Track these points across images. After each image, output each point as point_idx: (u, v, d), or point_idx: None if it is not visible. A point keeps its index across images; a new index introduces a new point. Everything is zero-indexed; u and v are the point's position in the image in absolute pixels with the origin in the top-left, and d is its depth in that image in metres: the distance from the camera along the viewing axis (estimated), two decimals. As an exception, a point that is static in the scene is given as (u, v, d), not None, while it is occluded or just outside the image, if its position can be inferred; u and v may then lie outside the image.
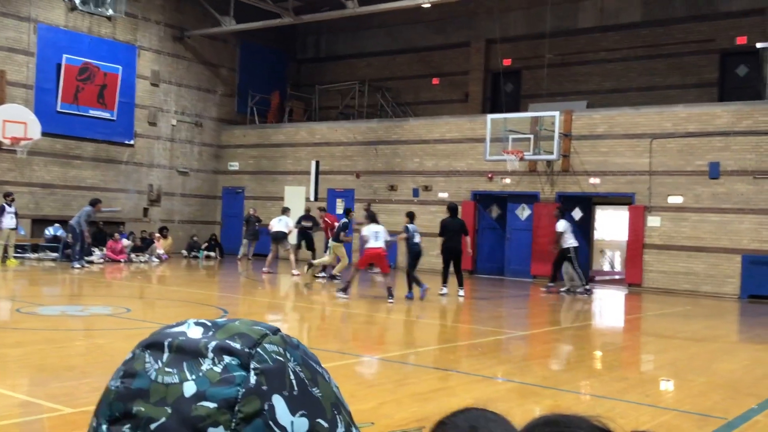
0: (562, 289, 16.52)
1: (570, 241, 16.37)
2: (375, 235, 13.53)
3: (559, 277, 16.69)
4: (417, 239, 14.70)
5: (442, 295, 14.61)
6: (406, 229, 14.75)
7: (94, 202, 18.00)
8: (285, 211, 18.84)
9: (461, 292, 14.70)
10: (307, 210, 19.50)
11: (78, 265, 17.37)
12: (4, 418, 5.24)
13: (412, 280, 14.18)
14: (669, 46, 21.08)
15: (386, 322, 11.62)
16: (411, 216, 15.02)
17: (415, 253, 14.59)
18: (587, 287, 16.66)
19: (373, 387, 6.50)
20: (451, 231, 14.59)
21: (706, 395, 6.92)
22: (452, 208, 15.11)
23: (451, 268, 14.78)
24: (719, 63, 20.80)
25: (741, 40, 20.07)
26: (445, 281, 14.84)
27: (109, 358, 7.61)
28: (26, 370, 7.00)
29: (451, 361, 8.58)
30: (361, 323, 11.64)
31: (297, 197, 23.78)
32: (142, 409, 0.60)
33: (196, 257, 22.82)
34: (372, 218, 14.18)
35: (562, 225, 16.48)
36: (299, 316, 12.53)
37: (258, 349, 0.62)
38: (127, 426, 0.60)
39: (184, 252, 23.02)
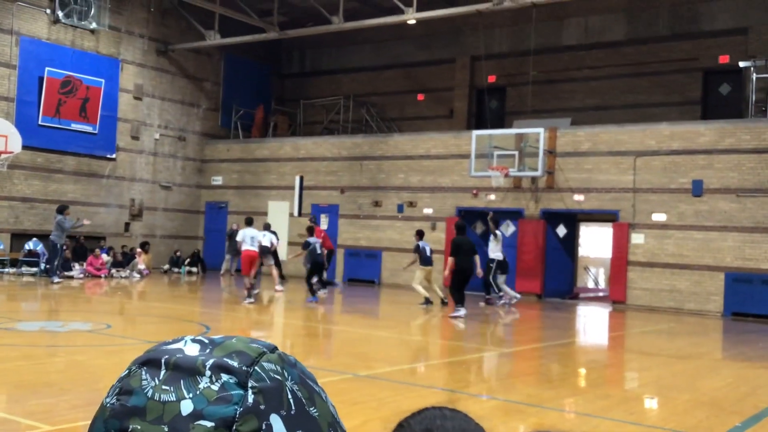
0: (500, 302, 16.97)
1: (496, 254, 16.90)
2: (250, 240, 15.54)
3: (493, 290, 17.12)
4: (318, 251, 15.87)
5: (456, 317, 13.74)
6: (306, 245, 16.02)
7: (62, 209, 17.95)
8: (267, 226, 18.68)
9: (462, 312, 14.00)
10: (267, 225, 19.01)
11: (57, 279, 17.25)
12: (-21, 437, 5.13)
13: (310, 286, 15.56)
14: (653, 65, 21.28)
15: (372, 339, 11.54)
16: (311, 230, 16.39)
17: (315, 264, 15.82)
18: (498, 300, 17.14)
19: (357, 404, 6.43)
20: (464, 250, 13.96)
21: (690, 413, 6.90)
22: (461, 227, 14.53)
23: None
24: (702, 81, 21.02)
25: (724, 59, 20.30)
26: (461, 302, 13.90)
27: (89, 375, 7.48)
28: (4, 386, 6.88)
29: (436, 378, 8.51)
30: (346, 340, 11.55)
31: (281, 212, 23.67)
32: (138, 427, 0.59)
33: (178, 272, 22.62)
34: (248, 223, 16.36)
35: (500, 235, 17.15)
36: (282, 333, 12.41)
37: (256, 368, 0.62)
38: None
39: (166, 266, 22.80)
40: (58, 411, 5.82)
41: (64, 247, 17.75)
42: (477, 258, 14.21)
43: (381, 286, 21.77)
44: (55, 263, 17.54)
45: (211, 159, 25.77)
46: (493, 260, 16.86)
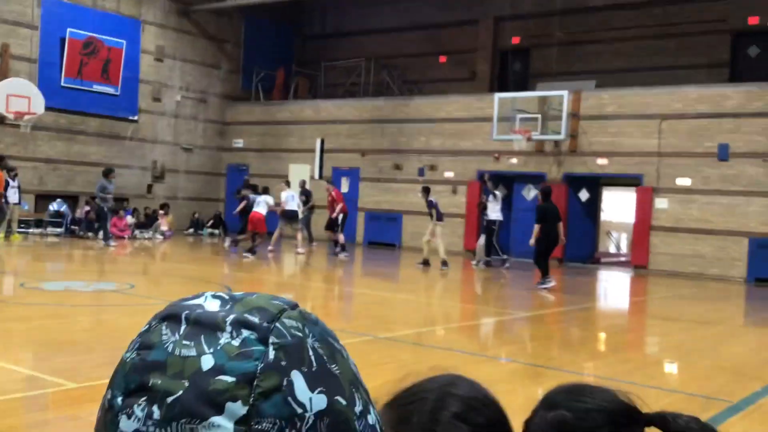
0: (474, 262, 17.02)
1: (496, 214, 16.78)
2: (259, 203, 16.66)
3: (494, 251, 17.04)
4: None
5: (546, 288, 13.07)
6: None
7: (107, 172, 17.74)
8: (293, 185, 18.65)
9: (551, 283, 13.32)
10: (252, 184, 19.58)
11: (113, 243, 17.34)
12: (9, 393, 5.24)
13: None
14: (680, 26, 20.82)
15: (392, 302, 11.59)
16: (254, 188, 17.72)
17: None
18: (505, 259, 17.11)
19: (377, 366, 6.47)
20: (551, 217, 13.22)
21: (711, 378, 6.88)
22: (548, 192, 13.64)
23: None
24: (731, 43, 20.56)
25: (753, 20, 19.81)
26: (547, 271, 13.25)
27: (113, 334, 7.60)
28: (30, 345, 7.01)
29: (456, 341, 8.54)
30: (366, 303, 11.61)
31: (302, 175, 23.68)
32: (159, 381, 0.59)
33: (200, 234, 22.81)
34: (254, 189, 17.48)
35: (499, 195, 16.98)
36: (303, 294, 12.50)
37: (277, 324, 0.61)
38: (143, 399, 0.59)
39: (190, 230, 22.98)
40: (82, 369, 5.91)
41: (110, 210, 17.68)
42: (561, 225, 13.48)
43: (402, 249, 21.81)
44: (106, 226, 17.58)
45: (232, 121, 25.77)
46: (494, 221, 16.77)
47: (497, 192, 16.92)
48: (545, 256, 13.25)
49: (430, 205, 16.23)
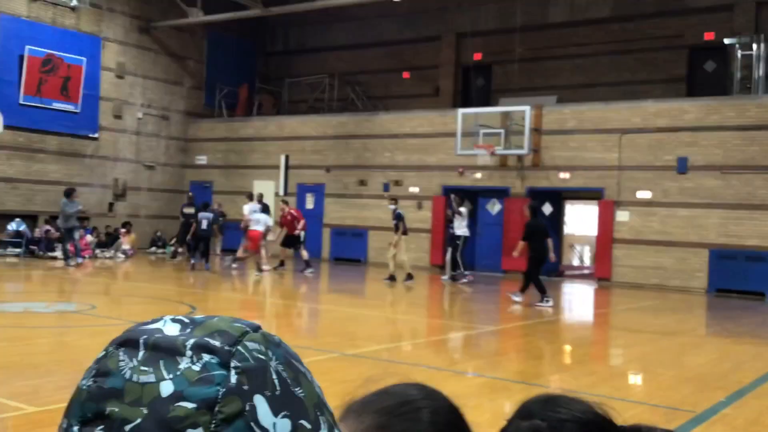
0: (465, 280, 16.96)
1: (463, 230, 16.89)
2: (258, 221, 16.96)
3: (458, 267, 17.05)
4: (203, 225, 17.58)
5: (544, 306, 12.90)
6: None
7: (69, 192, 17.35)
8: (260, 200, 18.67)
9: (519, 297, 13.28)
10: (190, 198, 20.48)
11: (72, 263, 16.94)
12: (-37, 419, 5.09)
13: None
14: (638, 42, 21.24)
15: (358, 318, 11.55)
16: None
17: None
18: (467, 275, 17.16)
19: (344, 383, 6.42)
20: (539, 234, 13.05)
21: (675, 389, 6.96)
22: (535, 209, 13.59)
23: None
24: (688, 58, 21.02)
25: (709, 36, 20.29)
26: (544, 290, 13.02)
27: (75, 356, 7.45)
28: (-13, 368, 6.81)
29: (423, 356, 8.53)
30: (332, 319, 11.55)
31: (266, 192, 23.55)
32: (116, 409, 0.57)
33: (162, 253, 22.50)
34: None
35: (464, 212, 17.08)
36: (268, 312, 12.39)
37: (239, 347, 0.59)
38: (100, 427, 0.57)
39: (152, 249, 22.69)
40: (43, 392, 5.80)
41: (72, 230, 17.20)
42: (550, 241, 13.31)
43: (367, 264, 21.78)
44: (66, 247, 17.17)
45: (195, 138, 25.57)
46: (459, 237, 16.90)
47: (462, 209, 17.05)
48: (537, 274, 13.10)
49: (398, 217, 16.31)
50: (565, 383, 7.19)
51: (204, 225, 17.63)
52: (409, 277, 16.21)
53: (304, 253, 17.77)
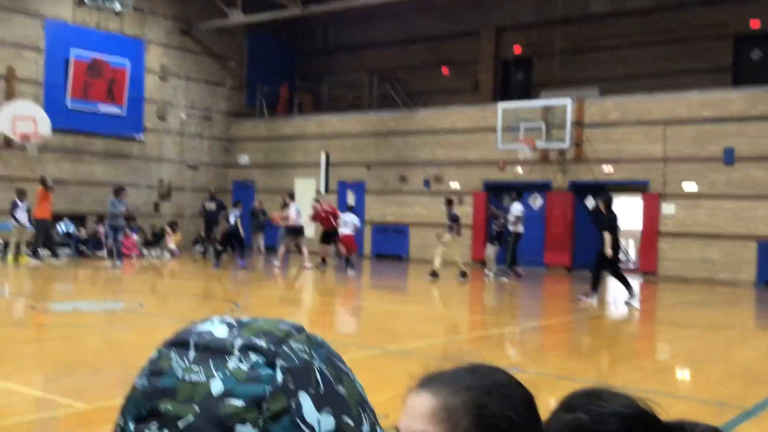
0: (490, 273, 16.59)
1: (521, 227, 16.61)
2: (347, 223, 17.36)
3: (514, 261, 16.69)
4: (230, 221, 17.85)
5: (590, 301, 12.75)
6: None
7: (118, 191, 17.51)
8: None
9: (594, 299, 12.92)
10: (212, 193, 20.83)
11: (118, 263, 17.10)
12: (19, 414, 5.24)
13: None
14: (682, 31, 20.84)
15: (401, 314, 11.57)
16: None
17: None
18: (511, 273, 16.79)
19: (387, 379, 6.45)
20: (617, 228, 12.72)
21: (723, 383, 6.85)
22: (610, 201, 13.18)
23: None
24: (733, 47, 20.55)
25: (755, 24, 19.81)
26: (597, 287, 12.83)
27: (123, 353, 7.60)
28: (41, 366, 7.02)
29: (466, 352, 8.50)
30: (375, 315, 11.60)
31: (307, 190, 23.73)
32: (170, 407, 0.60)
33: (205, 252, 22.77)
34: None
35: (519, 208, 16.62)
36: (311, 309, 12.49)
37: (284, 347, 0.63)
38: (155, 424, 0.60)
39: (200, 248, 22.99)
40: (93, 389, 5.91)
41: (117, 230, 17.39)
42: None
43: (409, 261, 21.80)
44: (112, 246, 17.35)
45: (237, 138, 25.86)
46: (520, 234, 16.62)
47: (518, 205, 16.70)
48: (600, 267, 12.81)
49: (454, 218, 16.12)
50: (611, 379, 7.11)
51: (231, 221, 17.87)
52: (464, 275, 16.07)
53: (342, 249, 17.78)
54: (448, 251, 16.19)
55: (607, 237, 12.70)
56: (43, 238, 17.59)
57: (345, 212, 17.82)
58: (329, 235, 17.90)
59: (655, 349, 9.72)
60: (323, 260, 18.19)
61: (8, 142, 19.50)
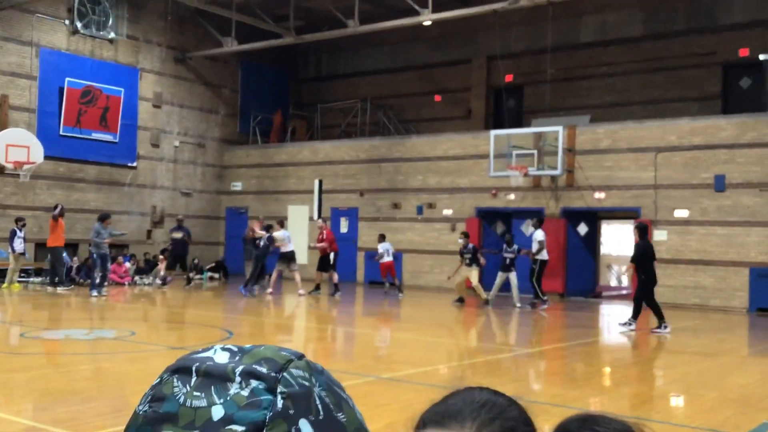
0: (520, 304, 16.06)
1: (546, 253, 16.46)
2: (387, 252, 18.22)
3: (540, 291, 16.44)
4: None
5: (664, 332, 12.52)
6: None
7: (103, 217, 17.27)
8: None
9: (634, 326, 12.88)
10: (179, 221, 20.51)
11: (95, 293, 16.49)
12: (8, 445, 5.18)
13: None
14: (671, 60, 21.10)
15: (395, 341, 11.54)
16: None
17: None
18: (546, 300, 16.55)
19: (380, 407, 6.42)
20: (649, 256, 12.63)
21: (717, 410, 6.83)
22: (644, 229, 12.96)
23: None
24: (722, 75, 20.79)
25: (743, 52, 20.07)
26: (662, 315, 12.56)
27: (115, 382, 7.54)
28: (32, 394, 6.96)
29: (459, 379, 8.48)
30: (368, 342, 11.56)
31: (301, 217, 23.75)
32: None
33: (199, 279, 22.73)
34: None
35: (542, 234, 16.46)
36: (305, 336, 12.44)
37: (284, 374, 0.63)
38: None
39: (191, 274, 22.91)
40: (85, 418, 5.86)
41: (98, 258, 16.93)
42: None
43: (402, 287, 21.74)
44: (95, 275, 16.81)
45: (230, 165, 25.91)
46: (545, 261, 16.46)
47: (540, 232, 16.40)
48: (652, 297, 12.68)
49: (473, 251, 16.27)
50: (605, 406, 7.09)
51: (261, 245, 18.09)
52: (486, 302, 16.24)
53: (335, 276, 17.97)
54: (458, 279, 16.65)
55: (630, 266, 12.81)
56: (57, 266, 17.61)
57: (384, 241, 18.45)
58: (325, 262, 18.07)
59: (648, 375, 9.70)
60: (317, 287, 18.23)
61: (1, 169, 19.49)
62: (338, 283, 17.97)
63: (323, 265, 18.16)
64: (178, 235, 19.75)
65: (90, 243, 17.54)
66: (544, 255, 16.38)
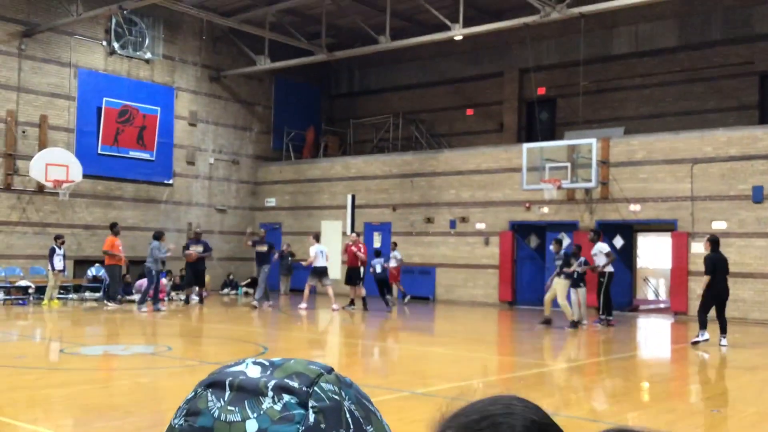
0: (574, 322, 15.00)
1: (611, 266, 15.53)
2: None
3: (610, 306, 15.55)
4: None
5: (698, 342, 12.39)
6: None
7: (157, 235, 17.71)
8: (322, 240, 19.01)
9: (724, 341, 12.43)
10: (197, 235, 19.45)
11: (144, 309, 17.00)
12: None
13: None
14: (707, 70, 20.85)
15: (429, 356, 11.51)
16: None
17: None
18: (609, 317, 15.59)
19: (415, 422, 6.41)
20: (721, 268, 12.38)
21: (757, 426, 6.70)
22: (716, 241, 12.67)
23: (712, 312, 12.58)
24: (759, 85, 20.48)
25: (781, 61, 19.76)
26: (705, 326, 12.40)
27: (152, 397, 7.63)
28: (70, 410, 7.05)
29: (495, 394, 8.41)
30: (402, 357, 11.54)
31: (334, 232, 23.84)
32: None
33: (234, 294, 22.94)
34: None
35: (606, 246, 15.63)
36: (339, 351, 12.46)
37: (315, 388, 0.65)
38: None
39: (225, 290, 23.20)
40: (123, 433, 5.94)
41: (159, 274, 17.54)
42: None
43: (435, 302, 21.71)
44: (149, 290, 17.38)
45: (264, 181, 26.15)
46: (605, 274, 15.37)
47: (604, 245, 15.58)
48: (708, 310, 12.44)
49: (567, 257, 14.90)
50: (643, 421, 6.99)
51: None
52: (574, 324, 14.78)
53: (362, 291, 18.03)
54: (550, 294, 15.17)
55: (704, 279, 12.45)
56: (115, 283, 17.93)
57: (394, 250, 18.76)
58: (354, 276, 18.07)
59: (687, 390, 9.54)
60: (351, 302, 18.24)
61: (41, 188, 19.93)
62: (365, 297, 18.01)
63: (352, 278, 18.16)
64: (198, 248, 18.78)
65: (147, 260, 17.83)
66: (611, 267, 15.48)
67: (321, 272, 17.80)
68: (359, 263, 18.08)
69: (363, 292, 18.00)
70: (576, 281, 15.08)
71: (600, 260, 15.36)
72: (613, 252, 16.05)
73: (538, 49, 22.86)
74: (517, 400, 0.95)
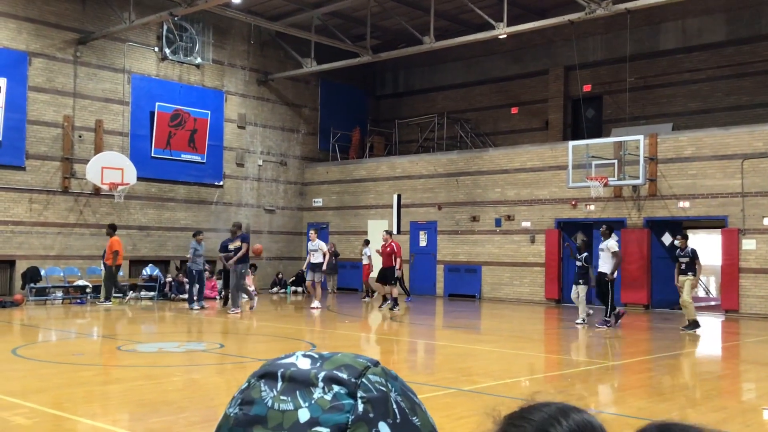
0: (579, 321, 14.75)
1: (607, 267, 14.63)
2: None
3: (611, 305, 14.70)
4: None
5: None
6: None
7: (195, 233, 18.16)
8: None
9: None
10: (233, 231, 17.27)
11: (197, 306, 17.39)
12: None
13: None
14: (756, 64, 20.43)
15: (475, 354, 11.58)
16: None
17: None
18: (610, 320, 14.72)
19: (462, 419, 6.52)
20: None
21: (811, 425, 6.63)
22: None
23: None
24: (811, 79, 20.01)
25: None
26: None
27: (205, 393, 7.86)
28: (126, 405, 7.27)
29: (541, 393, 8.47)
30: (448, 355, 11.63)
31: (380, 231, 24.00)
32: None
33: (283, 293, 23.30)
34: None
35: (616, 245, 14.80)
36: (386, 348, 12.61)
37: (363, 380, 0.68)
38: None
39: (275, 289, 23.59)
40: (177, 428, 6.11)
41: (199, 274, 17.66)
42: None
43: (482, 300, 21.72)
44: (194, 289, 17.62)
45: (311, 182, 26.46)
46: (607, 274, 14.54)
47: (613, 242, 14.74)
48: None
49: (693, 254, 13.94)
50: (693, 419, 6.95)
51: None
52: (694, 325, 13.88)
53: (394, 291, 17.57)
54: (684, 294, 13.97)
55: None
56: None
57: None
58: (386, 274, 17.78)
59: (738, 388, 9.44)
60: (385, 299, 18.17)
61: (97, 191, 20.55)
62: (396, 298, 17.66)
63: (387, 277, 17.82)
64: (238, 244, 16.84)
65: (188, 259, 18.19)
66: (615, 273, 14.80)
67: (314, 267, 17.82)
68: (393, 263, 17.81)
69: (395, 291, 17.83)
70: (577, 277, 14.73)
71: (605, 262, 14.43)
72: (619, 252, 15.04)
73: (583, 46, 22.69)
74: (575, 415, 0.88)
